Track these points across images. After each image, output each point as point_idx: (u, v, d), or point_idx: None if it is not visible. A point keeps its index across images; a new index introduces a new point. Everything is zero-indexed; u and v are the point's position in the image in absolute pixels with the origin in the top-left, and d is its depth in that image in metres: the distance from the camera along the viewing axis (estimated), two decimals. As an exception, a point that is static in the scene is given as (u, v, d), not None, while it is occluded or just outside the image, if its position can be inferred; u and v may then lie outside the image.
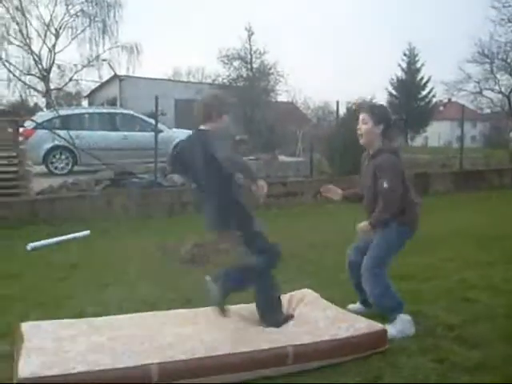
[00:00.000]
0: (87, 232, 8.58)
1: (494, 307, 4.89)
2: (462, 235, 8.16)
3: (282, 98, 30.38)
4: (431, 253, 7.01)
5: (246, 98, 25.59)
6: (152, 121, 13.62)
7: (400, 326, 4.17)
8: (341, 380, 3.46)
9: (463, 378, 3.49)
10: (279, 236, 7.95)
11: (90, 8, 32.42)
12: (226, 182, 4.06)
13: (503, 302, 5.03)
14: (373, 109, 4.64)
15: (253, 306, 4.33)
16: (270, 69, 27.16)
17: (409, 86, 49.70)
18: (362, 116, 4.50)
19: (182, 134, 15.44)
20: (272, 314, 4.15)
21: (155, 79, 29.05)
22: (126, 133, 15.39)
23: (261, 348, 3.61)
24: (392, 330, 4.09)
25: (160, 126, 13.55)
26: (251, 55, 26.79)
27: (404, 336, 4.10)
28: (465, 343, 4.05)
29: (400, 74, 50.69)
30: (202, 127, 4.17)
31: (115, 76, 31.20)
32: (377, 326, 3.98)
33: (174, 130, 16.18)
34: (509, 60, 30.44)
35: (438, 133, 46.12)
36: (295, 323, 4.12)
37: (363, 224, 4.25)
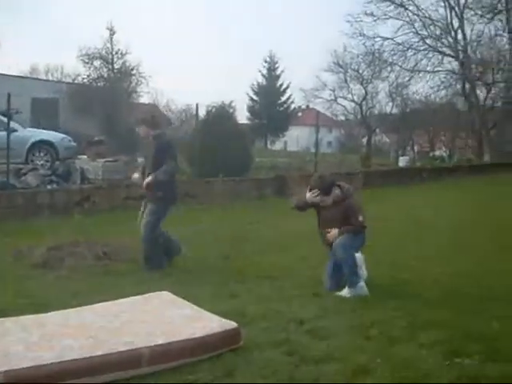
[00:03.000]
0: None
1: (339, 301, 5.18)
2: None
3: (144, 99, 30.08)
4: (289, 252, 7.36)
5: (106, 98, 25.05)
6: (4, 119, 12.91)
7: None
8: (193, 378, 3.49)
9: (311, 367, 3.66)
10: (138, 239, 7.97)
11: None
12: None
13: (348, 296, 5.33)
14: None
15: (115, 303, 4.28)
16: (132, 70, 26.79)
17: (269, 91, 51.06)
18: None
19: (37, 133, 14.93)
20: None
21: (9, 76, 27.51)
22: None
23: (116, 350, 3.55)
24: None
25: (14, 125, 12.89)
26: (113, 55, 26.25)
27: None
28: (315, 336, 4.24)
29: (261, 79, 51.97)
30: None
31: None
32: (231, 324, 4.05)
33: (30, 129, 15.43)
34: (360, 71, 32.30)
35: (296, 137, 47.73)
36: (151, 324, 4.10)
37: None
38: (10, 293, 5.31)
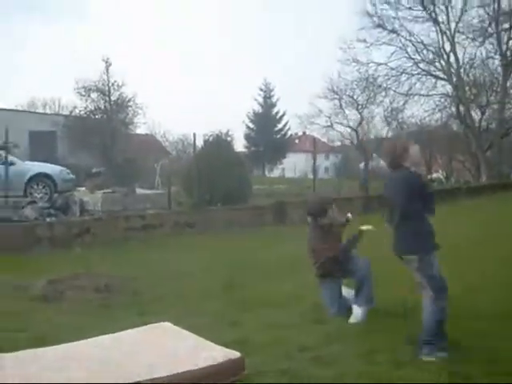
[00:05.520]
0: None
1: (344, 327, 5.13)
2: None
3: (141, 130, 30.22)
4: (287, 279, 7.27)
5: (103, 129, 25.17)
6: (2, 153, 12.96)
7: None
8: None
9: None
10: (143, 269, 7.95)
11: None
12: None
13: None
14: None
15: (115, 336, 4.24)
16: (128, 101, 26.94)
17: (265, 119, 51.39)
18: None
19: (36, 166, 14.95)
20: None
21: (6, 110, 27.66)
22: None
23: (118, 384, 3.51)
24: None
25: (12, 158, 12.92)
26: (109, 87, 26.41)
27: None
28: (320, 363, 4.20)
29: (257, 107, 52.32)
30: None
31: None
32: (234, 353, 4.01)
33: (28, 162, 15.47)
34: (355, 96, 32.41)
35: (293, 164, 47.89)
36: (153, 355, 4.05)
37: None
38: (8, 327, 5.27)
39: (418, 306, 5.66)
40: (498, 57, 27.71)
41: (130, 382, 3.54)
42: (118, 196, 13.56)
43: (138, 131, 29.55)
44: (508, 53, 26.77)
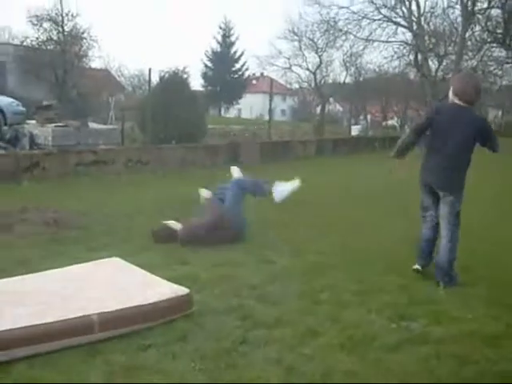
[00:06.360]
0: None
1: (290, 267, 5.27)
2: (266, 201, 8.53)
3: (96, 64, 29.41)
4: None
5: (56, 62, 24.39)
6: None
7: None
8: (146, 343, 3.50)
9: (263, 331, 3.72)
10: (93, 205, 7.88)
11: None
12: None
13: (299, 262, 5.45)
14: None
15: (65, 270, 4.29)
16: (82, 33, 26.05)
17: (223, 58, 50.61)
18: None
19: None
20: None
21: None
22: None
23: (68, 317, 3.53)
24: None
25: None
26: (63, 17, 25.40)
27: None
28: (266, 301, 4.31)
29: (215, 46, 51.40)
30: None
31: None
32: (183, 289, 4.07)
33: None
34: (315, 39, 32.15)
35: (250, 105, 47.63)
36: (102, 290, 4.07)
37: None
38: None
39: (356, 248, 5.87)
40: (458, 6, 27.72)
41: (79, 315, 3.56)
42: (69, 130, 13.24)
43: (93, 65, 28.77)
44: (469, 2, 26.77)
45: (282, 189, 6.65)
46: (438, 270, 4.94)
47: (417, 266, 5.10)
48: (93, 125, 15.05)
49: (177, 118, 14.31)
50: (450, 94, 5.03)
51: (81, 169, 11.09)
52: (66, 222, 6.78)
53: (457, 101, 4.93)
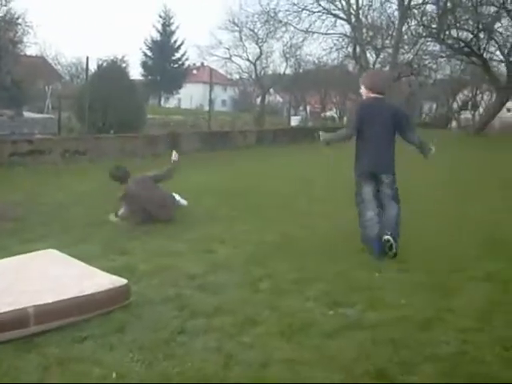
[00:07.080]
0: None
1: (230, 257, 5.28)
2: (210, 192, 8.55)
3: (31, 51, 28.58)
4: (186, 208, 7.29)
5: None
6: None
7: None
8: (82, 334, 3.45)
9: (202, 320, 3.73)
10: (28, 196, 7.69)
11: None
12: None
13: (240, 252, 5.46)
14: None
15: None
16: (17, 18, 25.18)
17: (163, 47, 50.07)
18: None
19: None
20: None
21: None
22: None
23: (2, 311, 3.44)
24: None
25: None
26: (-4, 2, 24.51)
27: None
28: (206, 290, 4.31)
29: (155, 35, 50.77)
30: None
31: None
32: (120, 280, 4.02)
33: None
34: (256, 30, 32.22)
35: (190, 95, 47.28)
36: (38, 282, 3.99)
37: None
38: None
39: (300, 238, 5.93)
40: (395, 1, 28.27)
41: (15, 308, 3.48)
42: (3, 119, 12.86)
43: (28, 52, 27.89)
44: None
45: (179, 198, 7.04)
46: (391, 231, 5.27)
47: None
48: (28, 114, 14.68)
49: (115, 107, 14.08)
50: (363, 91, 5.63)
51: (15, 159, 10.79)
52: (1, 213, 6.59)
53: (371, 94, 5.55)
